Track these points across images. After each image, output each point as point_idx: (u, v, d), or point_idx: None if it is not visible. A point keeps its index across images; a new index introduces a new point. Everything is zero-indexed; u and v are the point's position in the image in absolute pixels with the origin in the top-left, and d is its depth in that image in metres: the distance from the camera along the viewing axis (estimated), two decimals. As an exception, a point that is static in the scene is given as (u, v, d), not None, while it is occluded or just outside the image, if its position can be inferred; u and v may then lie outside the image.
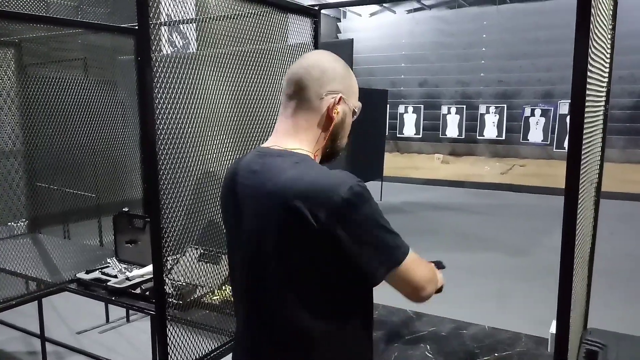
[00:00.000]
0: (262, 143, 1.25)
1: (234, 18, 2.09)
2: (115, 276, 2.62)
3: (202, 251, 2.76)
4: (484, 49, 12.37)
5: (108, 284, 2.55)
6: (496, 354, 1.93)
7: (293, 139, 1.19)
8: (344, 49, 6.13)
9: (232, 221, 1.23)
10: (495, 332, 2.14)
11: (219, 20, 2.07)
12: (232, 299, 2.45)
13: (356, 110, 1.26)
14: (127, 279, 2.59)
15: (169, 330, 1.83)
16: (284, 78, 1.23)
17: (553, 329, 2.01)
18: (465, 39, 12.31)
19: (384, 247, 1.06)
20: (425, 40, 12.28)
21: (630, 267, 5.58)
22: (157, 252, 1.69)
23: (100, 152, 3.61)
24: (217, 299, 2.38)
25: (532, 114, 9.97)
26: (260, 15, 2.15)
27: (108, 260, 2.83)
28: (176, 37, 2.33)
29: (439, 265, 1.37)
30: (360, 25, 16.86)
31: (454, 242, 6.77)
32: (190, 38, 2.36)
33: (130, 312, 4.17)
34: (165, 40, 2.24)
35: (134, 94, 3.73)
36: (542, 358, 1.94)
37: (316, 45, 2.40)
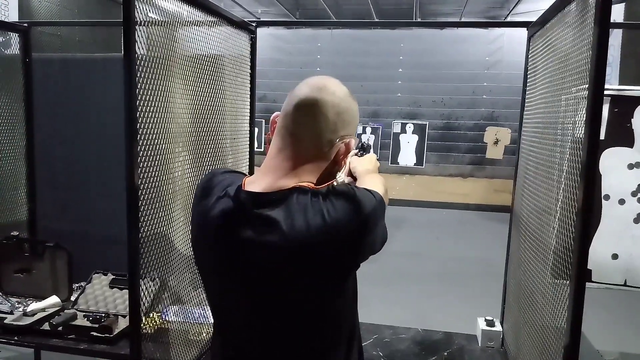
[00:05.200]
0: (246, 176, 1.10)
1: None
2: (11, 312, 2.21)
3: (112, 276, 2.50)
4: (318, 69, 13.07)
5: (5, 322, 2.13)
6: (445, 353, 2.12)
7: (292, 180, 1.03)
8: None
9: (224, 277, 1.07)
10: (429, 333, 2.34)
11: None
12: (163, 326, 2.26)
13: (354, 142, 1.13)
14: (26, 314, 2.20)
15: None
16: (287, 105, 1.06)
17: (482, 325, 2.29)
18: (302, 58, 12.91)
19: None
20: (264, 56, 12.54)
21: (459, 267, 6.41)
22: (134, 278, 1.50)
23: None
24: (150, 327, 2.16)
25: (364, 132, 10.84)
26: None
27: (-9, 294, 2.37)
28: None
29: (366, 149, 1.44)
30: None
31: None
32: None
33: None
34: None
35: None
36: (476, 352, 2.19)
37: (253, 61, 2.37)
